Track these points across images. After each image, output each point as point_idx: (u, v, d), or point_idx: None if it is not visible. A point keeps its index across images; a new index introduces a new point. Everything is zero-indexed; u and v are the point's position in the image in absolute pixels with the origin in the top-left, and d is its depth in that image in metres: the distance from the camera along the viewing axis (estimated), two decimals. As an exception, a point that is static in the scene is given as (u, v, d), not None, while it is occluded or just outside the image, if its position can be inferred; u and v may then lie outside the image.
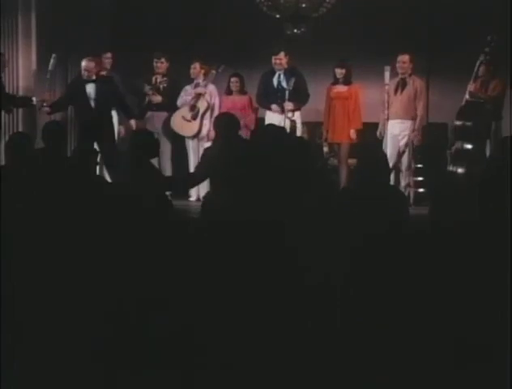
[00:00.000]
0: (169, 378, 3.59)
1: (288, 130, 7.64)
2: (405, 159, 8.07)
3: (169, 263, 4.07)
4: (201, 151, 7.94)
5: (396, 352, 3.66)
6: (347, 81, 8.34)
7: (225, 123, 6.09)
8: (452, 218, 4.53)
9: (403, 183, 7.96)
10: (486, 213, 4.40)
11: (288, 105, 8.04)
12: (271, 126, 6.44)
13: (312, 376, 3.59)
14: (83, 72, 7.94)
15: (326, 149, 8.39)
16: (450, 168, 7.56)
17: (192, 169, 8.18)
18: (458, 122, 7.69)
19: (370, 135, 7.97)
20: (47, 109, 7.89)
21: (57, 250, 4.19)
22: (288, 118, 7.98)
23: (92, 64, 8.00)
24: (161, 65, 8.46)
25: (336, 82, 8.38)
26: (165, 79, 8.46)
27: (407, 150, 8.07)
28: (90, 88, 7.93)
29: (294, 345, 3.69)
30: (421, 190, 8.20)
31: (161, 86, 8.44)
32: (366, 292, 3.93)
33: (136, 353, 3.66)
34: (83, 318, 3.81)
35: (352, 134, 8.25)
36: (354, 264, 4.08)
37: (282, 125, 7.56)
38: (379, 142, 7.77)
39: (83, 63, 7.93)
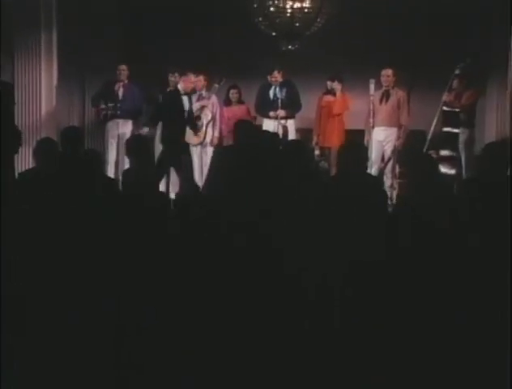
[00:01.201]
0: (168, 377, 3.56)
1: (281, 135, 8.35)
2: (390, 163, 8.72)
3: (172, 263, 4.00)
4: (204, 156, 8.69)
5: (390, 351, 3.60)
6: (336, 92, 9.02)
7: (244, 130, 6.37)
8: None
9: (387, 184, 8.52)
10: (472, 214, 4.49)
11: (281, 113, 8.80)
12: (266, 132, 7.11)
13: (310, 377, 3.54)
14: (184, 85, 8.65)
15: (317, 152, 9.02)
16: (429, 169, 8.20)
17: (196, 172, 8.85)
18: (435, 129, 8.40)
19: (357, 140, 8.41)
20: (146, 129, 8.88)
21: (65, 251, 4.13)
22: (281, 124, 8.73)
23: (201, 77, 8.82)
24: (174, 79, 9.05)
25: (327, 92, 9.09)
26: None
27: (392, 156, 8.72)
28: (185, 101, 8.66)
29: (292, 345, 3.64)
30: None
31: None
32: (362, 289, 3.86)
33: (137, 354, 3.59)
34: (86, 317, 3.73)
35: (338, 139, 8.83)
36: (350, 261, 4.04)
37: (276, 130, 8.36)
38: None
39: (188, 77, 8.67)
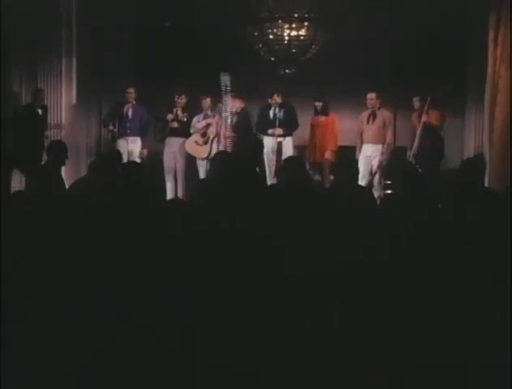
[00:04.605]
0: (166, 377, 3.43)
1: (276, 149, 9.20)
2: (377, 176, 9.41)
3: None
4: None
5: (385, 352, 3.49)
6: (324, 112, 9.67)
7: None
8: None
9: (375, 195, 8.66)
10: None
11: (278, 131, 9.47)
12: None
13: (308, 376, 3.44)
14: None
15: (309, 166, 9.36)
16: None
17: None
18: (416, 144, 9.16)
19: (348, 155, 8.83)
20: None
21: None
22: (277, 141, 9.46)
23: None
24: (181, 100, 9.71)
25: (317, 113, 9.73)
26: (185, 114, 9.68)
27: (378, 170, 9.39)
28: None
29: (291, 345, 3.53)
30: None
31: (181, 119, 9.70)
32: (358, 289, 3.79)
33: (139, 354, 3.44)
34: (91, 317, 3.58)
35: (328, 154, 9.52)
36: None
37: (274, 146, 9.17)
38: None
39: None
